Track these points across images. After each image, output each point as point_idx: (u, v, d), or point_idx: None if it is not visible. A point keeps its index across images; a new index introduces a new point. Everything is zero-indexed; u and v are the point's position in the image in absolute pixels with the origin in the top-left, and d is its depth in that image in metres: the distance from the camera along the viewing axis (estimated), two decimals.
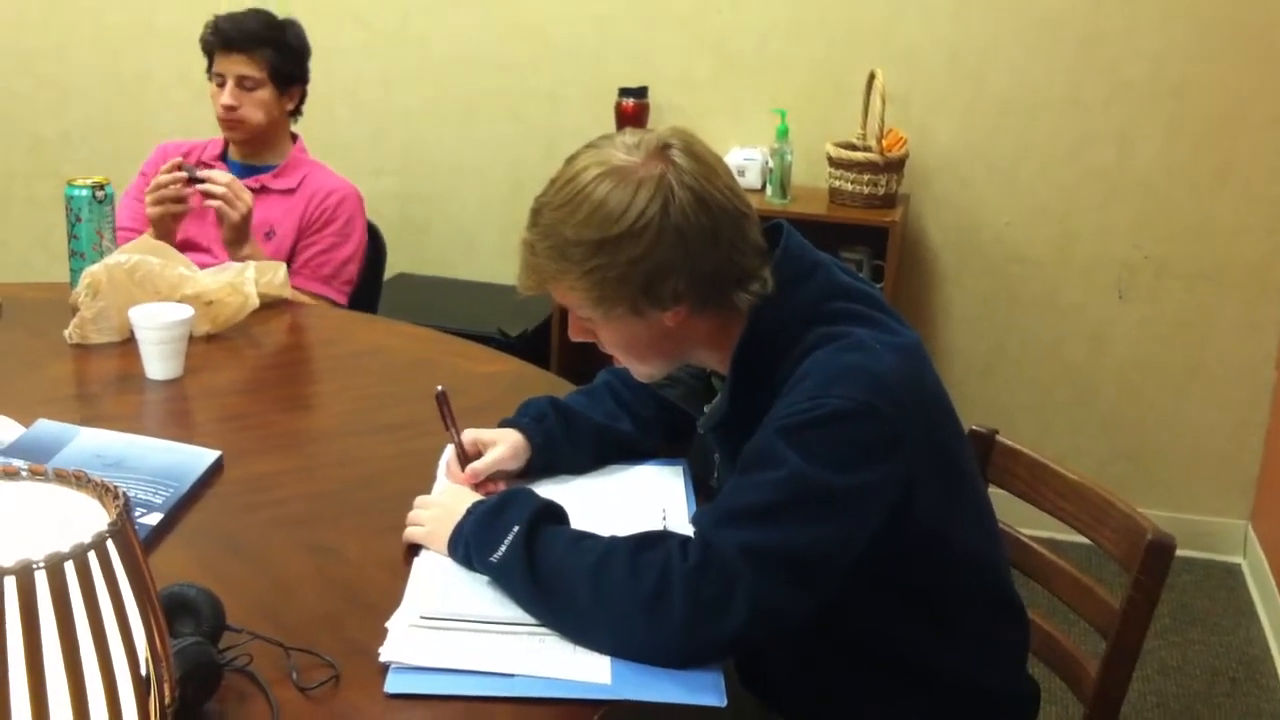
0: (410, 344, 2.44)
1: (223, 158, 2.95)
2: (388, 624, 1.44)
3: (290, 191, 2.89)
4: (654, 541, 1.45)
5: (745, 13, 3.60)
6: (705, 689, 1.38)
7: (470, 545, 1.53)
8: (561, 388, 2.26)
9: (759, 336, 1.53)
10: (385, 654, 1.38)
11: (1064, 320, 3.62)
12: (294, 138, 2.99)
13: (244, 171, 2.91)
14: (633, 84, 3.63)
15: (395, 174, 3.96)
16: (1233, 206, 3.48)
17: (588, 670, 1.38)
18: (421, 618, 1.45)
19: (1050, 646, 1.80)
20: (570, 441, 1.84)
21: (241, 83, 2.82)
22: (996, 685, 1.66)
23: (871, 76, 3.29)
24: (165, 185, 2.64)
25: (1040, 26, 3.47)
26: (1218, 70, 3.40)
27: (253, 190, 2.87)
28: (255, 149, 2.93)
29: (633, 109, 3.61)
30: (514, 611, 1.47)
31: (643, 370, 1.63)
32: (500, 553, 1.48)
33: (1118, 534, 1.70)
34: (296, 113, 2.97)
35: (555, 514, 1.55)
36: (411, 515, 1.65)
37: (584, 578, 1.43)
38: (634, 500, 1.77)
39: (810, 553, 1.42)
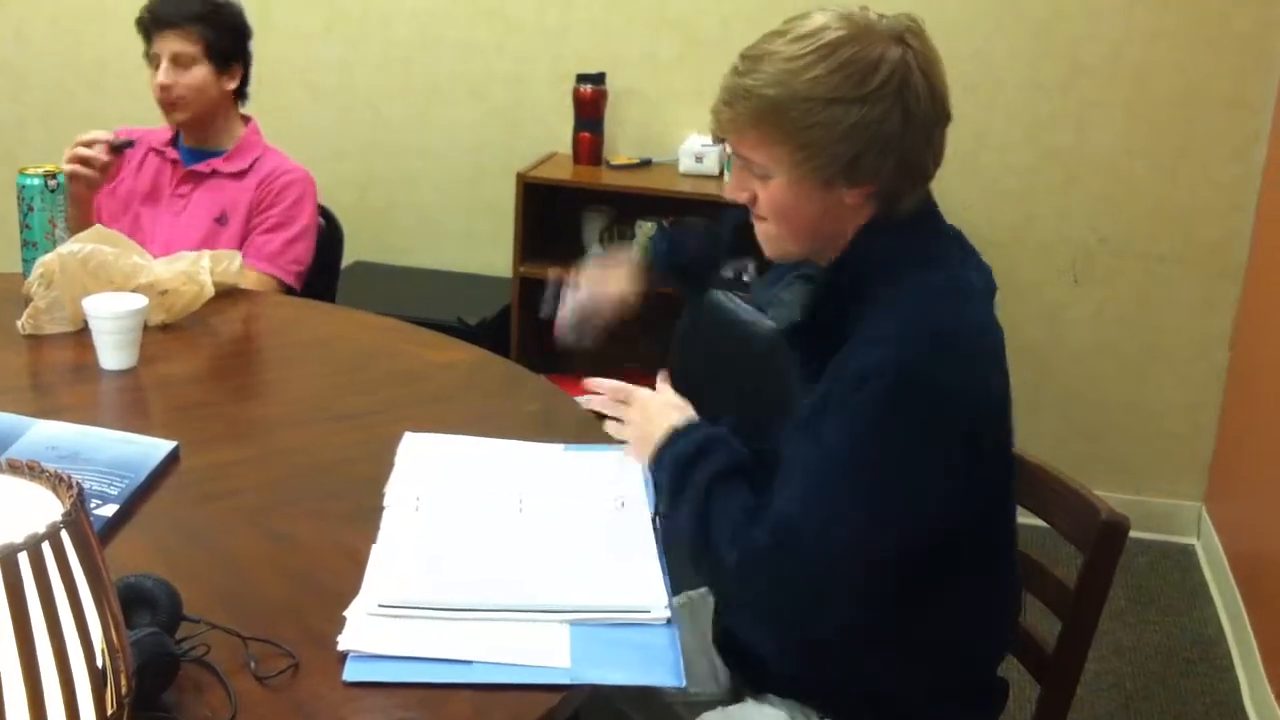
0: (368, 333, 2.43)
1: (173, 143, 2.91)
2: (346, 612, 1.43)
3: (242, 174, 2.86)
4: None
5: None
6: (664, 670, 1.39)
7: (667, 476, 1.58)
8: (522, 376, 2.27)
9: (866, 258, 1.54)
10: (344, 642, 1.38)
11: (1021, 302, 3.64)
12: (246, 120, 2.96)
13: (194, 156, 2.88)
14: (595, 66, 3.63)
15: (355, 158, 3.94)
16: (1190, 188, 3.51)
17: (547, 655, 1.38)
18: (380, 606, 1.44)
19: None
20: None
21: (176, 60, 2.77)
22: (975, 669, 1.67)
23: None
24: (88, 144, 2.64)
25: (999, 9, 3.49)
26: (1175, 53, 3.43)
27: (203, 175, 2.86)
28: (201, 132, 2.88)
29: (591, 95, 3.61)
30: (473, 598, 1.47)
31: (785, 247, 1.59)
32: (683, 499, 1.53)
33: (1071, 515, 1.72)
34: (241, 95, 2.93)
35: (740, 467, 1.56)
36: (615, 406, 1.70)
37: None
38: (590, 487, 1.77)
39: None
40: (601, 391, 1.74)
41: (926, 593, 1.56)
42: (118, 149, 2.68)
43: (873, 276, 1.52)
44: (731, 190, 1.59)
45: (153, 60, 2.82)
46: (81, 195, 2.67)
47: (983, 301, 1.57)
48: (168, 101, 2.81)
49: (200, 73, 2.79)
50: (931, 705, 1.63)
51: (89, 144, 2.65)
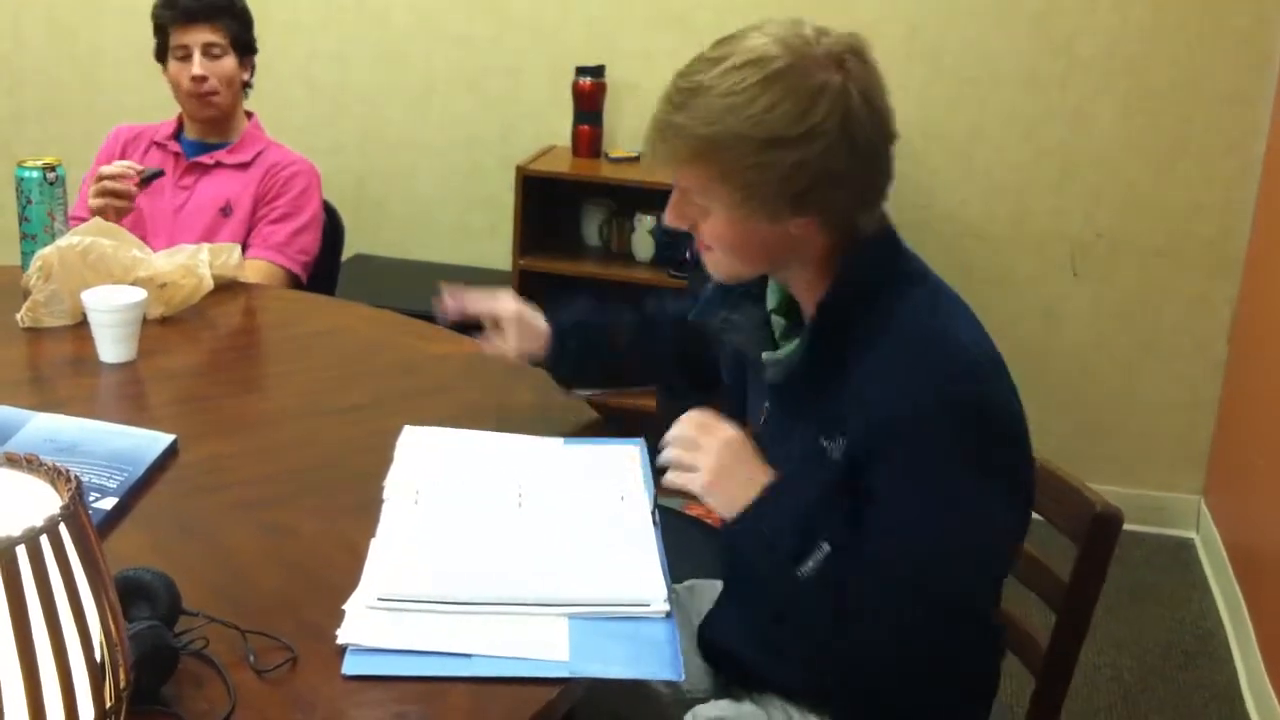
0: (367, 325, 2.43)
1: (176, 136, 2.91)
2: (345, 606, 1.43)
3: (245, 166, 2.86)
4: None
5: None
6: (662, 664, 1.39)
7: (770, 544, 1.45)
8: (521, 369, 2.25)
9: (850, 289, 1.49)
10: (343, 636, 1.38)
11: (1018, 297, 3.65)
12: (248, 115, 2.96)
13: (198, 149, 2.88)
14: (593, 60, 3.63)
15: (352, 152, 3.94)
16: (1186, 183, 3.51)
17: (545, 648, 1.39)
18: (379, 599, 1.44)
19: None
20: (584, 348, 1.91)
21: (208, 51, 2.79)
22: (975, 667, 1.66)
23: None
24: (115, 177, 2.61)
25: (996, 4, 3.49)
26: (1172, 47, 3.43)
27: (207, 166, 2.86)
28: (215, 125, 2.89)
29: (590, 88, 3.60)
30: (472, 592, 1.47)
31: (736, 271, 1.54)
32: (807, 570, 1.41)
33: (1065, 508, 1.71)
34: (248, 86, 2.94)
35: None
36: (678, 455, 1.52)
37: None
38: (591, 481, 1.77)
39: None
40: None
41: None
42: (147, 180, 2.67)
43: (860, 308, 1.49)
44: (671, 219, 1.53)
45: (177, 53, 2.81)
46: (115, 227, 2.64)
47: (961, 301, 1.55)
48: (202, 94, 2.81)
49: (229, 63, 2.83)
50: (915, 690, 1.62)
51: (116, 177, 2.61)
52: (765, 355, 1.57)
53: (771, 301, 1.62)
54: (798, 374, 1.53)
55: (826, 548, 1.41)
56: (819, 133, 1.39)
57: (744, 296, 1.62)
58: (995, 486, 1.43)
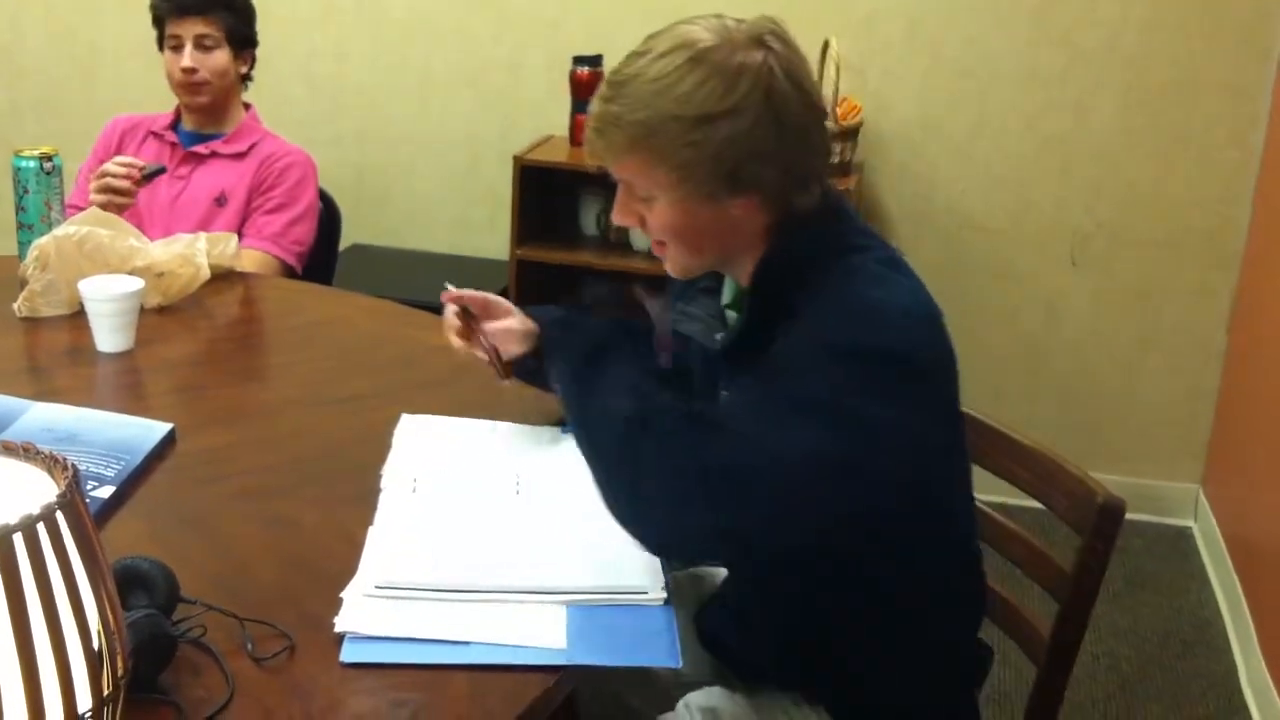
0: (365, 316, 2.43)
1: (174, 127, 2.92)
2: (343, 594, 1.44)
3: (241, 156, 2.87)
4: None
5: None
6: (660, 651, 1.39)
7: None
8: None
9: (788, 256, 1.52)
10: (340, 624, 1.38)
11: (1018, 288, 3.64)
12: (246, 107, 2.97)
13: (195, 139, 2.89)
14: (590, 53, 3.62)
15: (352, 144, 3.93)
16: (1186, 174, 3.51)
17: (543, 636, 1.39)
18: (376, 587, 1.45)
19: (1003, 609, 1.82)
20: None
21: (200, 43, 2.81)
22: (953, 641, 1.66)
23: (826, 45, 3.29)
24: (117, 175, 2.60)
25: None
26: (1173, 39, 3.42)
27: (202, 156, 2.86)
28: (211, 116, 2.90)
29: (588, 77, 3.59)
30: (469, 580, 1.47)
31: (687, 262, 1.58)
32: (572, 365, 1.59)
33: (1069, 497, 1.72)
34: (247, 78, 2.95)
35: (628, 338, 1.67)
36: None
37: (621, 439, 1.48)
38: (586, 468, 1.76)
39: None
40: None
41: (890, 567, 1.55)
42: (149, 177, 2.66)
43: (795, 277, 1.50)
44: (618, 216, 1.58)
45: (170, 43, 2.84)
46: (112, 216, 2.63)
47: (912, 273, 1.55)
48: (192, 84, 2.83)
49: (222, 56, 2.84)
50: (908, 679, 1.62)
51: (119, 174, 2.59)
52: (718, 336, 1.64)
53: (726, 297, 1.66)
54: (741, 346, 1.57)
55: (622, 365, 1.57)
56: (745, 107, 1.45)
57: (701, 292, 1.68)
58: (898, 420, 1.41)
